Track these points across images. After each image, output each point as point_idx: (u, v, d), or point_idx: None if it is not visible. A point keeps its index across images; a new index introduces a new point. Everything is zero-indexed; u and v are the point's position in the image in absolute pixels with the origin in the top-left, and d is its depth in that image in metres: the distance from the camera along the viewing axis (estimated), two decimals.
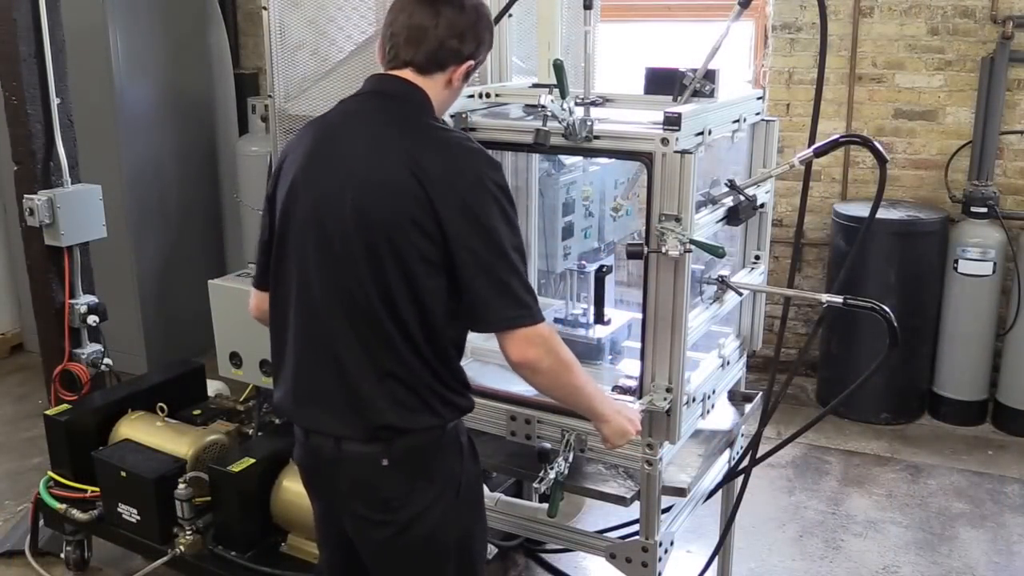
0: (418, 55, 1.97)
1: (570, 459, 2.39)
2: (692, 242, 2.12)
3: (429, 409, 1.96)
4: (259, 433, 3.36)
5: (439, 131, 1.98)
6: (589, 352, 2.78)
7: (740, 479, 2.73)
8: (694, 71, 2.32)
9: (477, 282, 1.86)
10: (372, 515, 2.02)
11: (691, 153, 2.09)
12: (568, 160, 2.92)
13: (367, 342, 1.93)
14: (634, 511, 2.41)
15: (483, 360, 2.89)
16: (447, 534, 2.06)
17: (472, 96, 2.67)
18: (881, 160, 2.31)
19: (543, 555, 3.44)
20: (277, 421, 3.44)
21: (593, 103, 2.34)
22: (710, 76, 2.32)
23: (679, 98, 2.33)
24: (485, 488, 2.80)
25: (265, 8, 3.10)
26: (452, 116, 2.32)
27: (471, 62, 2.01)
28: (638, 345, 2.30)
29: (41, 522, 3.44)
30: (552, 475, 2.34)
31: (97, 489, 3.22)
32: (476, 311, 1.90)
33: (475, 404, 2.07)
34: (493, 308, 1.88)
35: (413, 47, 1.97)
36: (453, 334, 1.99)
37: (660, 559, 2.40)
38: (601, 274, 2.63)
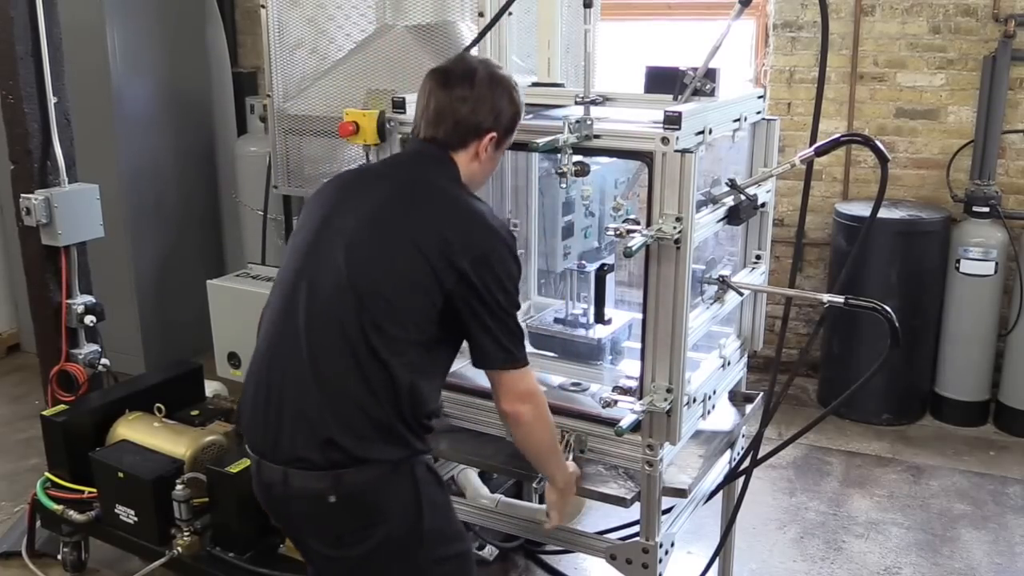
0: (439, 133, 2.08)
1: (570, 460, 2.38)
2: None
3: (386, 443, 1.98)
4: None
5: (465, 203, 2.05)
6: (589, 352, 2.76)
7: (741, 480, 2.72)
8: (695, 70, 2.31)
9: (477, 336, 2.01)
10: (326, 550, 2.03)
11: (692, 152, 2.08)
12: None
13: (345, 381, 1.95)
14: (634, 512, 2.40)
15: None
16: (417, 564, 2.05)
17: None
18: (882, 159, 2.30)
19: (543, 556, 3.43)
20: None
21: (593, 102, 2.33)
22: (711, 75, 2.31)
23: (679, 97, 2.32)
24: (486, 489, 2.80)
25: (263, 6, 3.09)
26: None
27: (492, 134, 2.07)
28: (638, 345, 2.29)
29: (38, 523, 3.42)
30: None
31: (94, 490, 3.20)
32: (473, 354, 2.07)
33: (431, 450, 2.17)
34: (487, 356, 2.04)
35: (434, 126, 2.08)
36: (433, 383, 2.08)
37: (661, 560, 2.39)
38: (602, 273, 2.62)
